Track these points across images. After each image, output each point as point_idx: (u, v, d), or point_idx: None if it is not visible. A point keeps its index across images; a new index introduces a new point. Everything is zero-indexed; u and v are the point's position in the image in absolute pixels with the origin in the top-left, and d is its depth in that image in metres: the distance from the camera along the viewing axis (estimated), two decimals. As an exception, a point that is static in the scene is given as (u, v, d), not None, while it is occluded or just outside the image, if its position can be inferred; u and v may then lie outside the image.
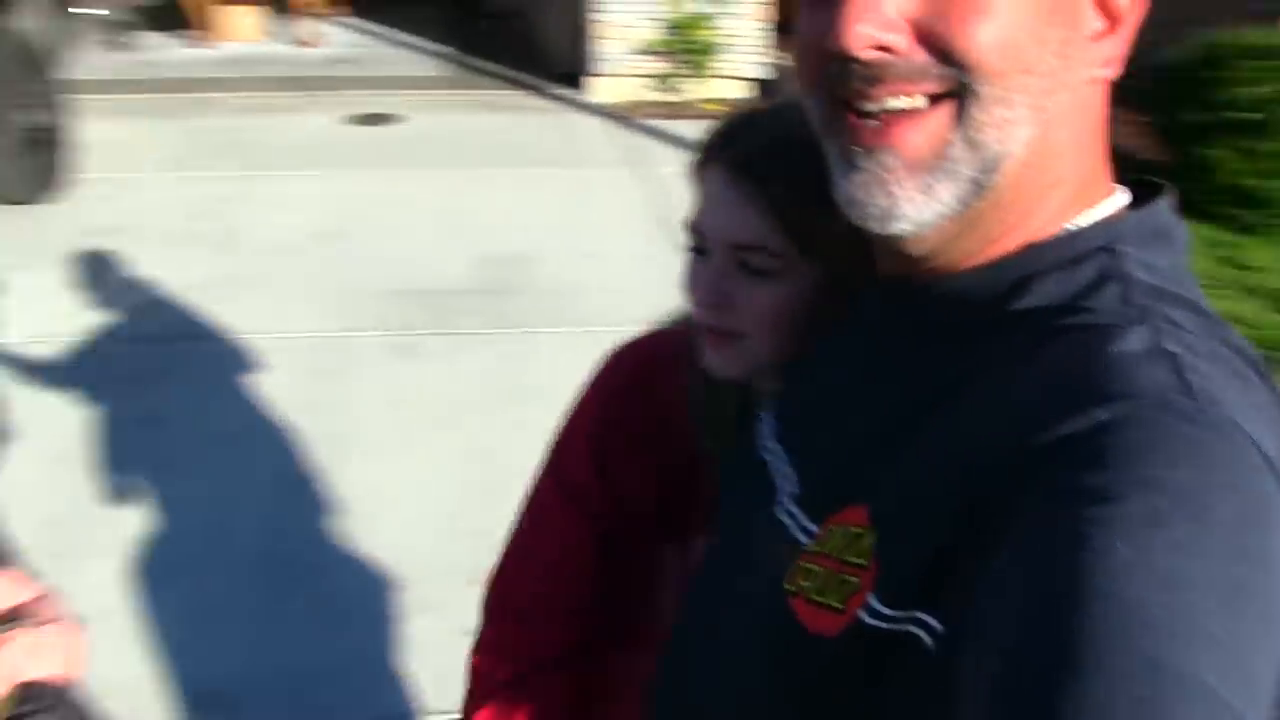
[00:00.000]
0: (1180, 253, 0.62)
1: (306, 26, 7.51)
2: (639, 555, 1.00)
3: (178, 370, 3.72)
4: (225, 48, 7.41)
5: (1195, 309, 0.57)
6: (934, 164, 0.57)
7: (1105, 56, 0.59)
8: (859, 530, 0.57)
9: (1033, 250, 0.60)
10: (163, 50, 7.34)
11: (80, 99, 5.49)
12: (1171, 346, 0.52)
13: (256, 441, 3.32)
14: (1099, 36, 0.59)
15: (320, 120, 6.22)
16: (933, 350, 0.62)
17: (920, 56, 0.55)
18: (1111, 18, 0.59)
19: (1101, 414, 0.49)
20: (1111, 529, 0.45)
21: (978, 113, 0.56)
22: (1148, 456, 0.47)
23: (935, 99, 0.56)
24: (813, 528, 0.62)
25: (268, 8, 7.66)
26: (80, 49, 6.10)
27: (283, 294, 4.23)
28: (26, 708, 0.96)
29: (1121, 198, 0.63)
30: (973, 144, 0.56)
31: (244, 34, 7.53)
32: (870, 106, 0.57)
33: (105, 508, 3.04)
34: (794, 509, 0.65)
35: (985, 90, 0.55)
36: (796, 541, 0.63)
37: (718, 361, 0.84)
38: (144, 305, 4.13)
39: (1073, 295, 0.57)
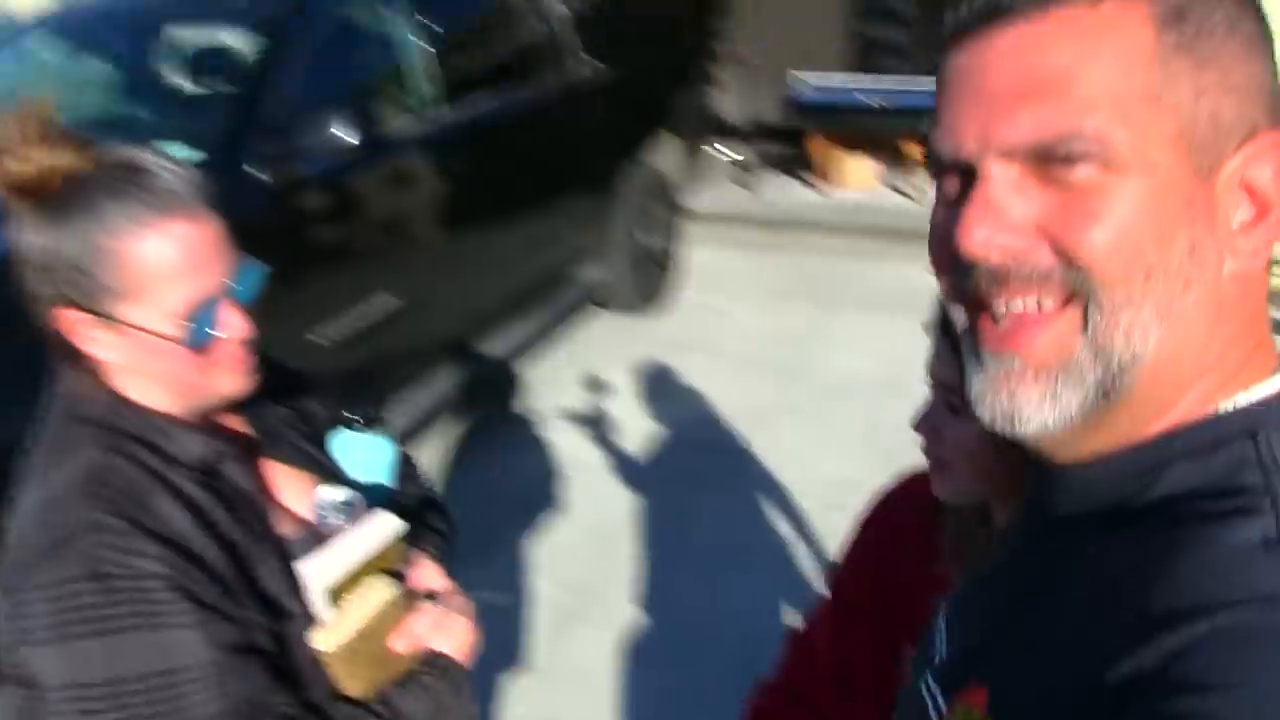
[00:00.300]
0: None
1: (916, 180, 7.58)
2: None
3: (715, 480, 3.96)
4: (839, 194, 7.73)
5: None
6: (1059, 368, 0.57)
7: (1252, 248, 0.57)
8: (979, 715, 0.58)
9: (1166, 438, 0.58)
10: (779, 190, 7.88)
11: (693, 227, 6.08)
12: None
13: (766, 559, 3.48)
14: (1247, 228, 0.57)
15: (907, 270, 6.13)
16: (1064, 540, 0.61)
17: (1044, 261, 0.56)
18: (1261, 206, 0.57)
19: (1209, 623, 0.48)
20: None
21: (1101, 318, 0.56)
22: (1257, 669, 0.45)
23: (1062, 302, 0.56)
24: (943, 705, 0.63)
25: (886, 159, 7.87)
26: (705, 184, 6.70)
27: (830, 432, 4.25)
28: (424, 669, 1.20)
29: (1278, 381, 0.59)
30: (1098, 349, 0.56)
31: (860, 182, 7.80)
32: (997, 308, 0.58)
33: (619, 581, 3.41)
34: (934, 684, 0.67)
35: (1107, 295, 0.55)
36: (930, 716, 0.65)
37: (935, 487, 1.02)
38: (703, 418, 4.45)
39: (1203, 484, 0.56)
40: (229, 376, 1.12)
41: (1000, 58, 0.56)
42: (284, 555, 1.14)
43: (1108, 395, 0.57)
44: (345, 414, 1.32)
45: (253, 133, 3.39)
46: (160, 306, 1.05)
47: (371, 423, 1.32)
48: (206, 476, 1.11)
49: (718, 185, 7.39)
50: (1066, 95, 0.54)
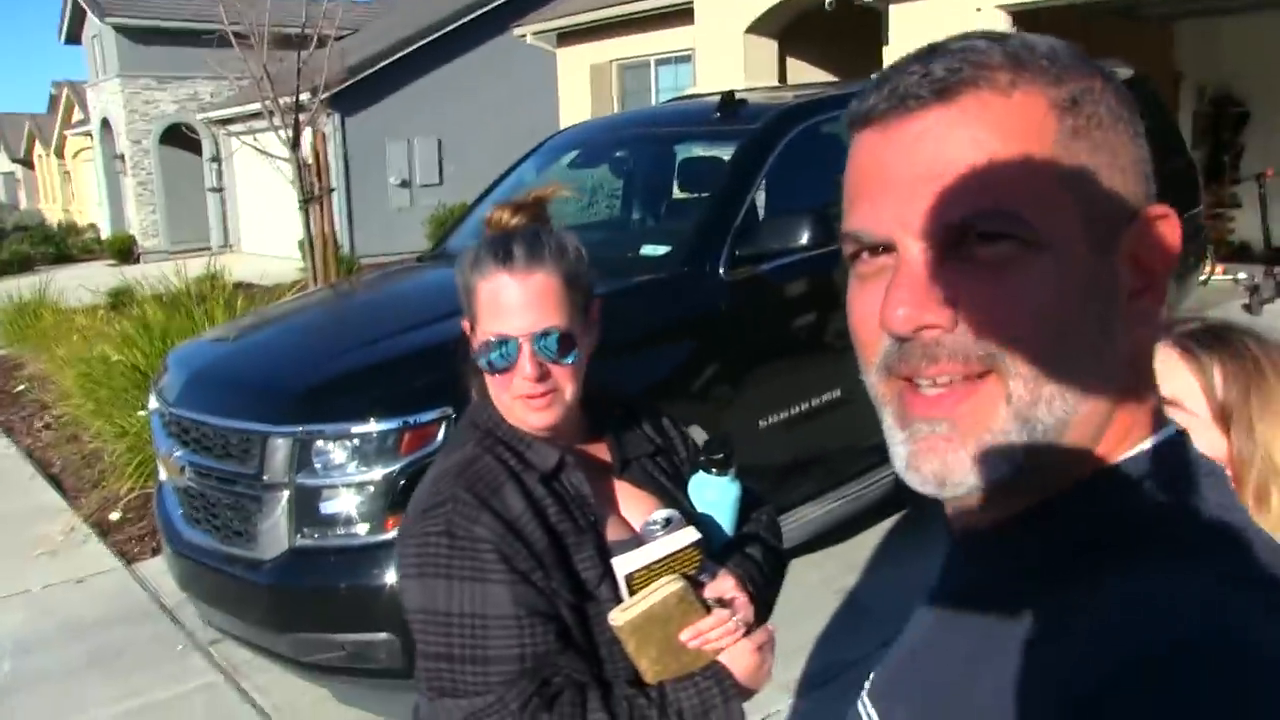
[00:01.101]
0: (1223, 481, 0.62)
1: None
2: None
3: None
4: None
5: (1241, 541, 0.57)
6: (986, 433, 0.59)
7: (1144, 313, 0.61)
8: None
9: (1085, 489, 0.61)
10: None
11: None
12: (1206, 582, 0.53)
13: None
14: (1136, 294, 0.60)
15: None
16: (995, 597, 0.62)
17: (965, 337, 0.58)
18: (1148, 275, 0.60)
19: (1130, 662, 0.50)
20: None
21: (1022, 390, 0.58)
22: (1167, 709, 0.47)
23: (981, 374, 0.59)
24: None
25: None
26: (1208, 306, 6.03)
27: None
28: (701, 672, 1.32)
29: (1170, 429, 0.63)
30: (1021, 417, 0.58)
31: None
32: (924, 380, 0.60)
33: None
34: None
35: (1025, 369, 0.58)
36: None
37: None
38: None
39: (1106, 532, 0.59)
40: (524, 409, 1.36)
41: (916, 141, 0.59)
42: (602, 549, 1.36)
43: (1036, 457, 0.59)
44: (706, 457, 1.52)
45: (719, 235, 3.69)
46: (482, 333, 1.36)
47: (723, 467, 1.51)
48: (552, 480, 1.37)
49: (1221, 308, 6.59)
50: (980, 177, 0.57)
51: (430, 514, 1.31)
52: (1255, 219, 9.47)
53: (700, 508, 1.52)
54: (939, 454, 0.60)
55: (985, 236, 0.57)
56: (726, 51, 9.85)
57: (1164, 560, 0.56)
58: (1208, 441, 1.33)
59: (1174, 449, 0.63)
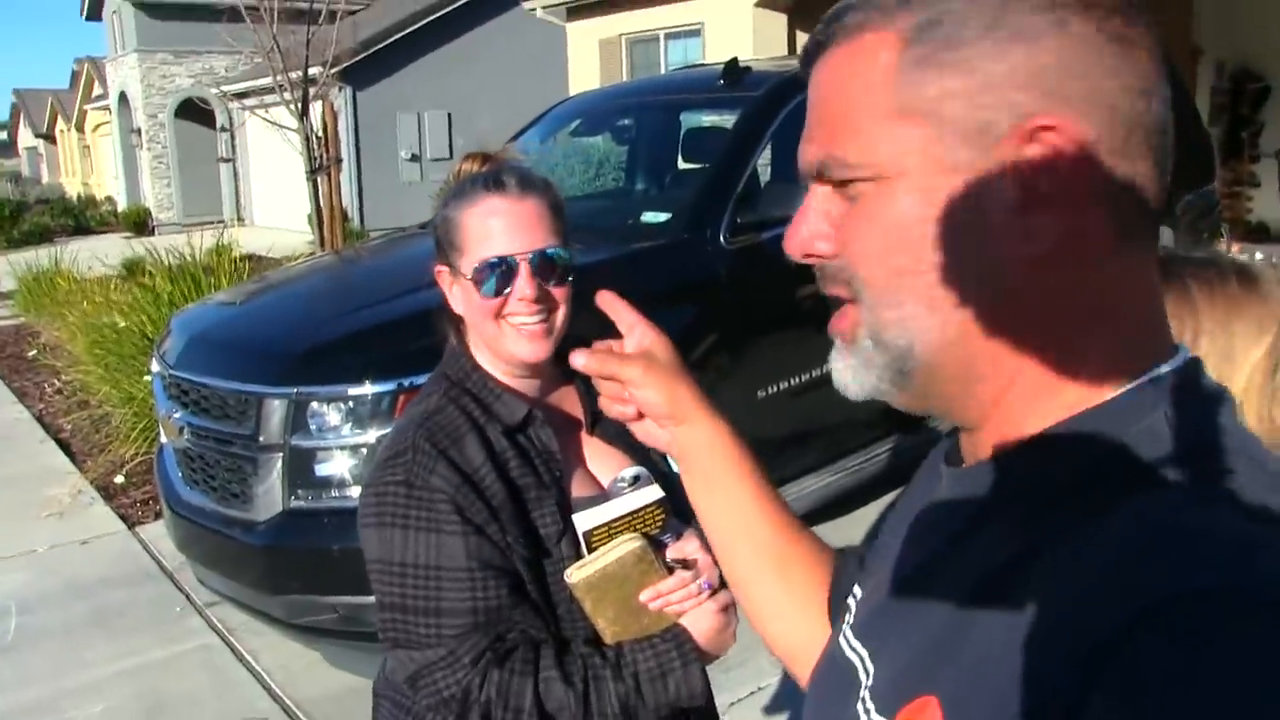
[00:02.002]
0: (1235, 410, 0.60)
1: None
2: None
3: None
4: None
5: (1255, 462, 0.56)
6: (856, 350, 0.63)
7: (1038, 231, 0.57)
8: None
9: (1079, 420, 0.59)
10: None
11: None
12: (1224, 515, 0.51)
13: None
14: (1023, 209, 0.57)
15: None
16: (990, 531, 0.61)
17: (835, 264, 0.64)
18: (1035, 190, 0.56)
19: (1155, 601, 0.47)
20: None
21: (871, 314, 0.62)
22: (1190, 654, 0.44)
23: (850, 298, 0.63)
24: None
25: None
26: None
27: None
28: (660, 634, 1.29)
29: (1178, 358, 0.60)
30: (876, 340, 0.62)
31: None
32: (829, 297, 0.66)
33: None
34: (870, 703, 0.64)
35: (870, 295, 0.61)
36: None
37: None
38: None
39: (1120, 462, 0.56)
40: (514, 339, 1.34)
41: (809, 92, 0.65)
42: (564, 506, 1.33)
43: (904, 374, 0.62)
44: None
45: (720, 202, 3.66)
46: (473, 260, 1.33)
47: None
48: (517, 433, 1.35)
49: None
50: (827, 122, 0.62)
51: (389, 463, 1.30)
52: (1274, 198, 9.34)
53: (677, 468, 1.48)
54: (836, 366, 0.66)
55: (837, 180, 0.62)
56: (736, 25, 9.76)
57: (1173, 492, 0.53)
58: None
59: (1182, 377, 0.60)
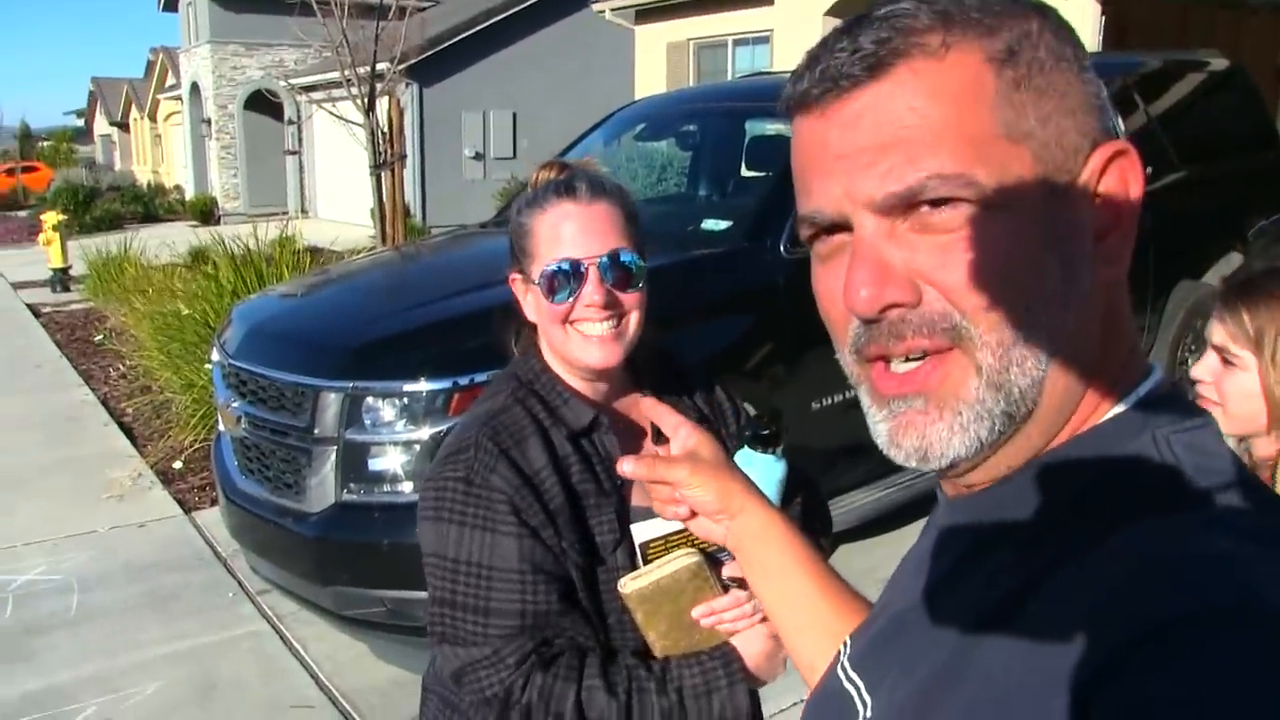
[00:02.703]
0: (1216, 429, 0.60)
1: None
2: None
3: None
4: None
5: (1243, 485, 0.56)
6: (960, 405, 0.58)
7: (1111, 253, 0.59)
8: None
9: (1075, 445, 0.59)
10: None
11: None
12: (1218, 540, 0.50)
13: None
14: (1101, 235, 0.58)
15: None
16: (989, 559, 0.60)
17: (929, 310, 0.57)
18: (1111, 214, 0.58)
19: (1150, 627, 0.46)
20: None
21: (991, 358, 0.57)
22: (1195, 675, 0.44)
23: (949, 346, 0.58)
24: None
25: None
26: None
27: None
28: (709, 651, 1.27)
29: (1156, 376, 0.62)
30: (995, 384, 0.57)
31: None
32: (894, 358, 0.59)
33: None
34: None
35: (992, 336, 0.56)
36: None
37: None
38: None
39: (1113, 485, 0.57)
40: (583, 346, 1.33)
41: (857, 118, 0.58)
42: (623, 515, 1.32)
43: (1013, 420, 0.58)
44: (751, 433, 1.43)
45: (781, 211, 3.63)
46: (542, 265, 1.32)
47: (769, 444, 1.43)
48: (582, 438, 1.34)
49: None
50: (924, 142, 0.56)
51: (451, 459, 1.30)
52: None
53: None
54: (918, 429, 0.59)
55: (935, 203, 0.56)
56: (806, 33, 9.71)
57: (1170, 517, 0.53)
58: (1247, 384, 1.50)
59: (1162, 398, 0.60)
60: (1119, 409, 0.60)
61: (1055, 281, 0.56)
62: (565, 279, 1.30)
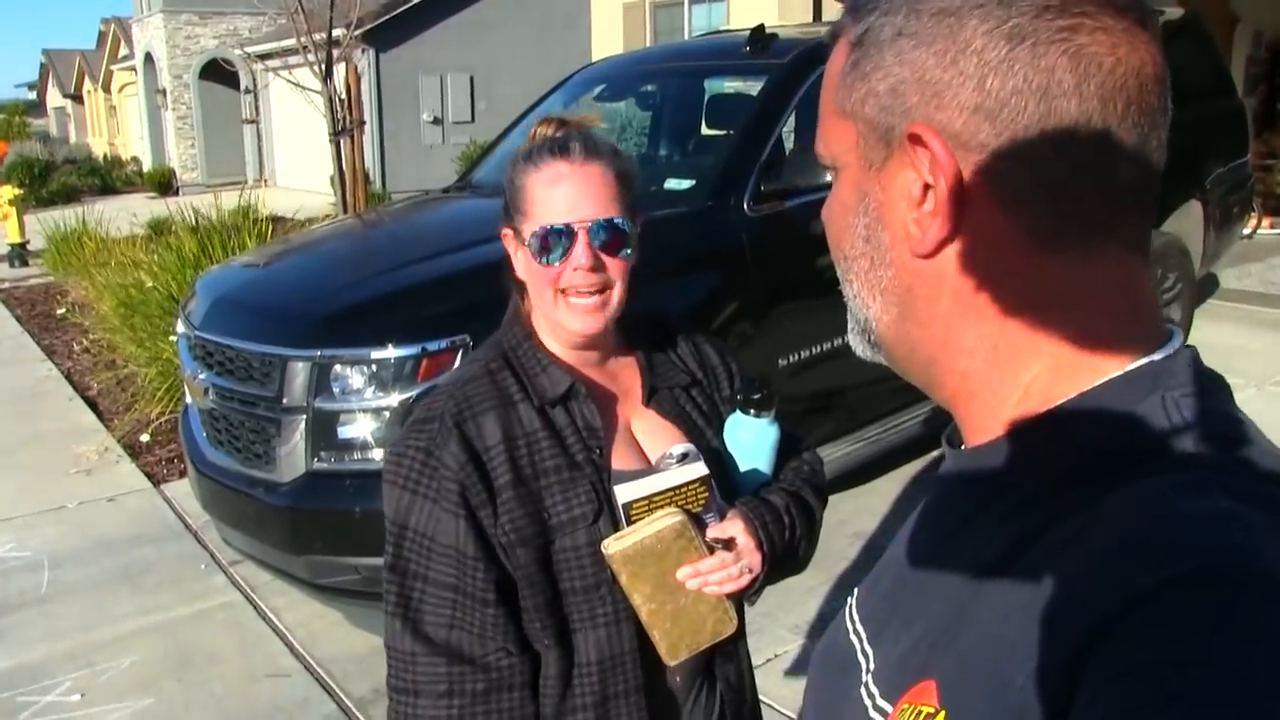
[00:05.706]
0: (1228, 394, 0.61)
1: None
2: None
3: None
4: None
5: (1252, 448, 0.56)
6: (852, 319, 0.69)
7: (926, 224, 0.60)
8: (929, 710, 0.57)
9: (1079, 401, 0.59)
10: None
11: (1220, 303, 5.35)
12: (1220, 501, 0.51)
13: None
14: (918, 203, 0.60)
15: None
16: (990, 514, 0.61)
17: None
18: (929, 186, 0.59)
19: (1146, 586, 0.47)
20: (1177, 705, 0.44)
21: (845, 286, 0.68)
22: (1188, 638, 0.45)
23: None
24: (887, 707, 0.62)
25: None
26: (1255, 261, 5.92)
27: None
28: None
29: (1175, 343, 0.61)
30: (850, 309, 0.68)
31: None
32: None
33: None
34: (872, 688, 0.65)
35: (839, 269, 0.68)
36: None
37: None
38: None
39: (1118, 445, 0.57)
40: (568, 312, 1.32)
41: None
42: (602, 483, 1.32)
43: (872, 345, 0.68)
44: (743, 397, 1.44)
45: (744, 169, 3.64)
46: (534, 226, 1.31)
47: (761, 408, 1.43)
48: (558, 406, 1.34)
49: (1267, 263, 6.44)
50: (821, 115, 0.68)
51: (416, 427, 1.31)
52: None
53: (734, 449, 1.45)
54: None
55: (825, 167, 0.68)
56: (765, -11, 9.64)
57: (1168, 476, 0.54)
58: None
59: (1178, 363, 0.60)
60: (1126, 368, 0.59)
61: (857, 243, 0.65)
62: (555, 241, 1.29)
